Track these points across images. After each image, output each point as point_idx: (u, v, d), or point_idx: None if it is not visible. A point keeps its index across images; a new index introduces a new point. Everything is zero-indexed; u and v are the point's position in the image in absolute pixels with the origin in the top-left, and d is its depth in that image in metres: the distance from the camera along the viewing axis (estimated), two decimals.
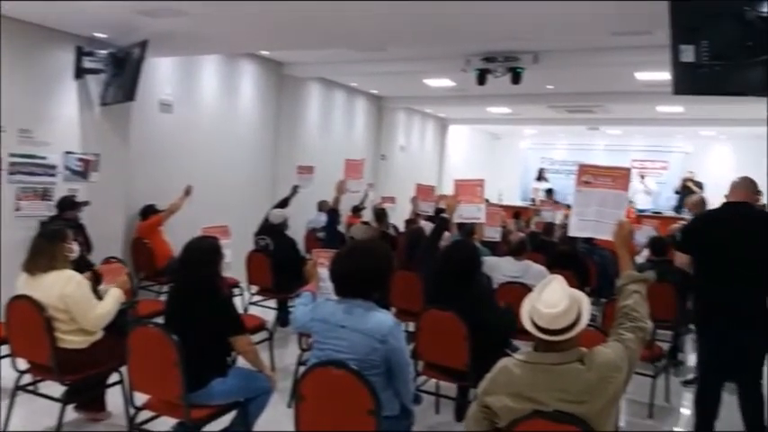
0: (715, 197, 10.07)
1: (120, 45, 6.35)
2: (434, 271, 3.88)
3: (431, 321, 3.75)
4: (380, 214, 7.31)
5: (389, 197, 9.23)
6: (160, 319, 3.45)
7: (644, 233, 7.43)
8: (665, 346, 5.37)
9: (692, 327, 6.82)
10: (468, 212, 4.54)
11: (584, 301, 2.13)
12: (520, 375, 2.09)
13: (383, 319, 2.58)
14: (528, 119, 14.21)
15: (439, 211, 7.85)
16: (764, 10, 3.16)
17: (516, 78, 7.52)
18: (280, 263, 5.84)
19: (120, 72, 6.30)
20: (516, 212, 10.08)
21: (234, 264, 6.14)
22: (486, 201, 5.51)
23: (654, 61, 6.15)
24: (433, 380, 4.15)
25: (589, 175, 2.61)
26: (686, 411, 4.82)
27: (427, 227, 7.45)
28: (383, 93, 11.88)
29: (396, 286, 5.25)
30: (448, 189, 11.85)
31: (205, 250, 3.28)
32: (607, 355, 2.07)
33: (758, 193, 3.84)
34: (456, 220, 4.73)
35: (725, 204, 3.82)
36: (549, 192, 13.02)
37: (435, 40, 6.50)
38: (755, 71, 3.19)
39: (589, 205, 2.60)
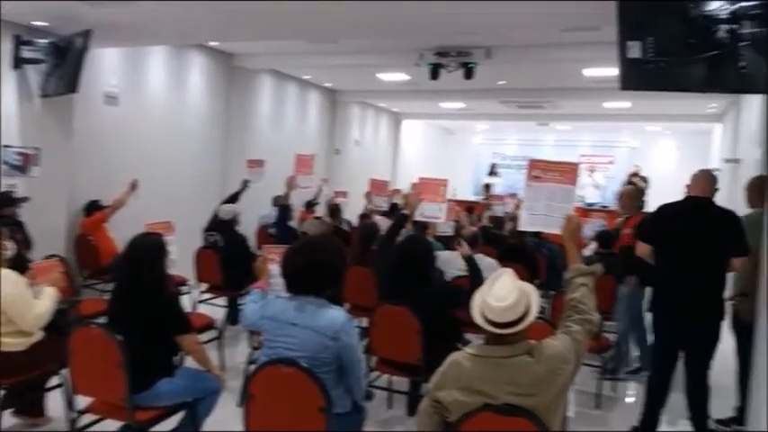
0: (660, 190, 10.45)
1: (61, 34, 6.09)
2: (389, 266, 3.86)
3: (384, 316, 3.73)
4: (334, 209, 7.25)
5: (342, 191, 9.17)
6: (104, 319, 3.33)
7: (593, 226, 7.62)
8: (612, 338, 5.49)
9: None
10: (429, 211, 4.53)
11: (533, 293, 2.14)
12: (470, 369, 2.09)
13: (335, 315, 2.54)
14: (480, 114, 14.36)
15: (394, 206, 7.87)
16: (707, 8, 3.24)
17: (469, 73, 7.56)
18: (229, 259, 5.72)
19: (62, 62, 6.05)
20: (469, 207, 10.17)
21: (182, 261, 6.03)
22: None
23: (601, 58, 6.26)
24: (386, 375, 4.14)
25: (539, 169, 2.64)
26: (632, 401, 4.96)
27: (382, 222, 7.46)
28: (337, 86, 11.79)
29: (349, 282, 5.22)
30: (402, 184, 11.93)
31: (150, 247, 3.18)
32: (555, 347, 2.10)
33: (717, 187, 3.95)
34: (417, 217, 4.72)
35: (687, 198, 3.93)
36: (488, 187, 13.10)
37: (388, 34, 6.47)
38: (698, 68, 3.28)
39: (539, 200, 2.63)
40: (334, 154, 12.20)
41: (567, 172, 2.60)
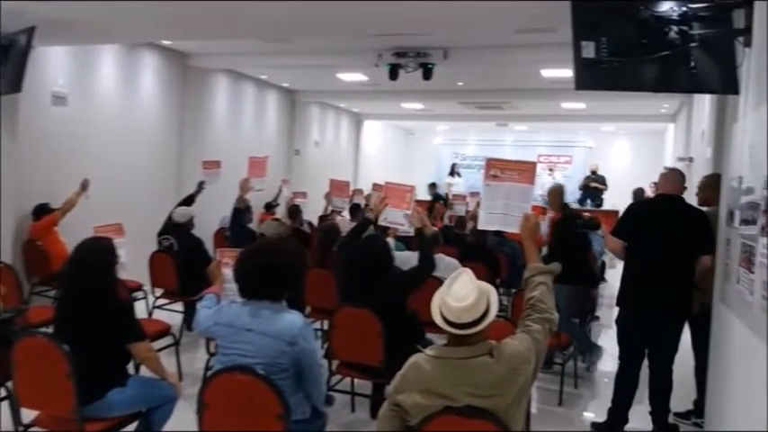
0: (616, 188, 10.71)
1: (3, 31, 5.82)
2: (347, 267, 3.81)
3: (344, 318, 3.68)
4: (294, 210, 7.15)
5: (301, 192, 9.04)
6: (51, 328, 3.19)
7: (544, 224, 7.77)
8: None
9: (597, 315, 7.25)
10: (393, 217, 4.44)
11: (492, 293, 2.13)
12: (430, 371, 2.06)
13: (292, 320, 2.48)
14: (440, 115, 14.44)
15: (356, 206, 7.83)
16: (658, 9, 3.30)
17: (427, 74, 7.58)
18: (185, 263, 5.58)
19: (5, 61, 5.77)
20: (430, 206, 10.22)
21: (137, 266, 5.87)
22: None
23: (558, 59, 6.35)
24: (349, 378, 4.09)
25: (496, 168, 2.63)
26: (594, 398, 5.03)
27: (344, 223, 7.40)
28: (296, 86, 11.67)
29: (310, 284, 5.16)
30: (364, 184, 11.88)
31: (98, 252, 3.05)
32: (515, 347, 2.08)
33: (686, 185, 4.06)
34: (380, 223, 4.67)
35: (657, 196, 4.04)
36: (433, 185, 13.02)
37: (343, 33, 6.43)
38: (651, 68, 3.33)
39: (497, 199, 2.62)
40: (293, 155, 12.07)
41: (525, 171, 2.59)
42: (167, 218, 6.16)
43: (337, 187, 7.15)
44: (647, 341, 3.91)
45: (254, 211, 7.71)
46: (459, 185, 14.44)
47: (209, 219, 7.53)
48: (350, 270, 3.79)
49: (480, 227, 2.74)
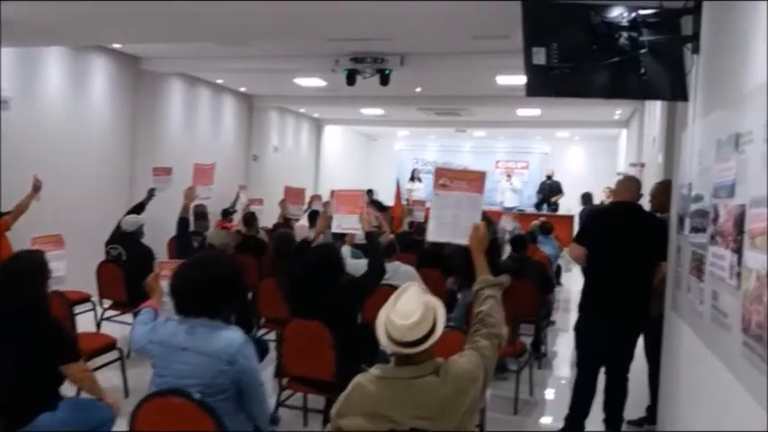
0: (572, 193, 10.87)
1: None
2: (296, 278, 3.69)
3: (295, 332, 3.55)
4: (249, 218, 6.97)
5: (258, 199, 8.86)
6: None
7: (506, 223, 7.98)
8: (527, 340, 5.55)
9: (553, 319, 7.29)
10: (348, 223, 4.40)
11: (440, 308, 2.04)
12: (375, 392, 1.95)
13: (230, 337, 2.35)
14: (400, 120, 14.43)
15: (314, 213, 7.68)
16: (608, 15, 3.28)
17: (385, 80, 7.56)
18: (134, 274, 5.31)
19: None
20: (392, 215, 10.14)
21: (85, 276, 5.62)
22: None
23: (513, 66, 6.30)
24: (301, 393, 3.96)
25: (445, 178, 2.55)
26: (550, 404, 5.01)
27: (301, 230, 7.25)
28: (253, 91, 11.47)
29: (264, 293, 5.02)
30: (325, 190, 11.73)
31: (27, 268, 2.87)
32: (462, 365, 2.00)
33: (642, 192, 4.12)
34: (335, 230, 4.61)
35: (616, 203, 4.08)
36: (370, 192, 12.86)
37: (298, 36, 6.32)
38: (602, 74, 3.32)
39: (446, 209, 2.54)
40: (251, 160, 11.85)
41: (474, 180, 2.51)
42: (116, 226, 5.92)
43: (292, 194, 7.01)
44: (605, 348, 3.91)
45: (212, 218, 7.54)
46: (419, 191, 14.43)
47: (164, 226, 7.29)
48: (298, 280, 3.67)
49: (430, 238, 2.65)
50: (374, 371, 2.03)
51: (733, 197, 2.46)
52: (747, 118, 2.37)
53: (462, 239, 2.49)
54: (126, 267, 5.48)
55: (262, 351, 4.23)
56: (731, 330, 2.37)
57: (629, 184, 4.09)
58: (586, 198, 10.50)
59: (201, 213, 6.77)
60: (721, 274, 2.53)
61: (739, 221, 2.33)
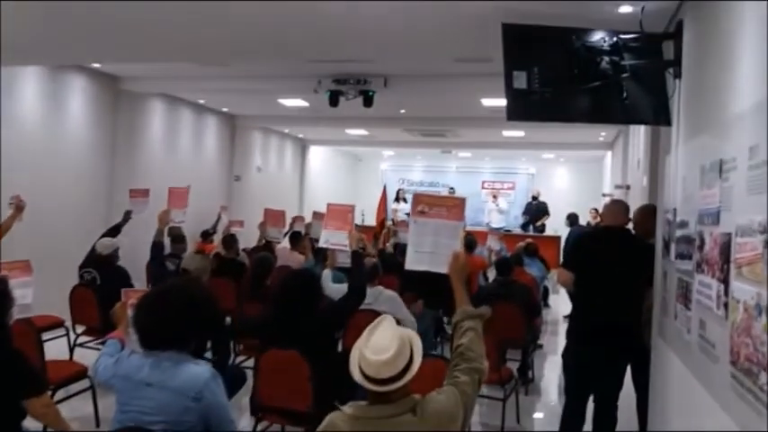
0: (558, 214, 10.88)
1: None
2: (272, 304, 3.57)
3: (270, 362, 3.43)
4: (229, 240, 6.83)
5: (238, 221, 8.71)
6: None
7: (494, 242, 8.09)
8: (514, 366, 5.44)
9: (540, 343, 7.19)
10: (336, 239, 4.25)
11: (416, 341, 1.94)
12: None
13: (197, 372, 2.23)
14: (385, 141, 14.40)
15: (295, 235, 7.57)
16: (589, 39, 3.25)
17: (368, 102, 7.52)
18: (109, 299, 5.14)
19: None
20: (376, 233, 10.07)
21: (59, 301, 5.45)
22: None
23: (497, 88, 6.30)
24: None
25: (424, 204, 2.45)
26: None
27: (284, 252, 7.13)
28: (236, 111, 11.38)
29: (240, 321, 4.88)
30: (309, 210, 11.59)
31: None
32: (440, 403, 1.90)
33: (630, 217, 4.08)
34: (322, 245, 4.46)
35: (605, 227, 4.04)
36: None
37: (279, 58, 6.27)
38: (583, 99, 3.27)
39: (425, 236, 2.44)
40: (234, 181, 11.71)
41: (454, 207, 2.42)
42: (90, 249, 5.77)
43: (272, 217, 6.88)
44: (594, 376, 3.83)
45: (192, 240, 7.37)
46: (404, 211, 14.36)
47: (143, 249, 7.12)
48: (275, 308, 3.55)
49: (408, 267, 2.55)
50: (348, 409, 1.92)
51: (718, 225, 2.40)
52: (730, 144, 2.33)
53: (441, 268, 2.39)
54: (100, 292, 5.32)
55: (239, 379, 4.10)
56: (719, 362, 2.30)
57: (617, 209, 4.04)
58: (572, 219, 10.49)
59: (178, 236, 6.63)
60: (708, 303, 2.47)
61: (725, 250, 2.27)
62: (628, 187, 8.28)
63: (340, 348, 4.18)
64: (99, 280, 5.46)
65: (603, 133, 11.12)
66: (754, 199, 2.01)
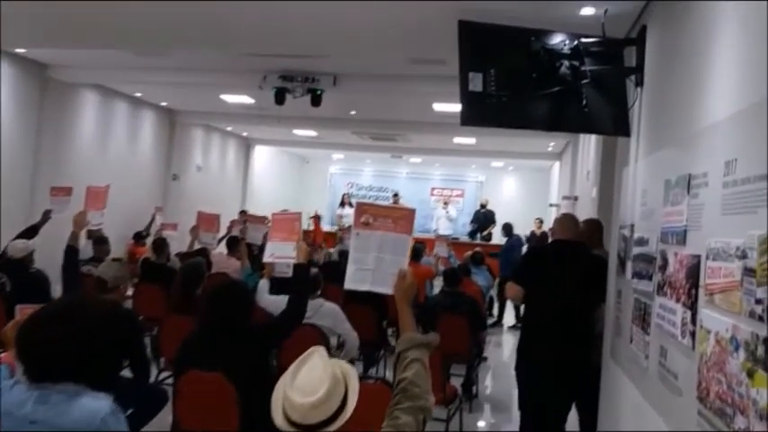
0: (503, 221, 10.82)
1: None
2: (197, 322, 3.22)
3: (191, 385, 3.06)
4: (160, 244, 6.35)
5: (171, 223, 8.19)
6: None
7: (441, 248, 7.96)
8: (456, 380, 5.24)
9: (485, 356, 7.03)
10: (281, 251, 3.85)
11: (352, 378, 1.66)
12: None
13: (93, 408, 1.86)
14: (334, 143, 14.10)
15: (232, 239, 7.15)
16: (549, 41, 3.05)
17: (316, 101, 7.26)
18: None
19: None
20: (324, 239, 9.75)
21: None
22: None
23: (450, 92, 6.13)
24: None
25: (368, 215, 2.15)
26: None
27: (221, 258, 6.70)
28: (175, 106, 10.84)
29: (168, 332, 4.50)
30: (253, 212, 11.13)
31: None
32: None
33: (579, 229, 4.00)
34: (267, 260, 4.10)
35: (555, 241, 3.94)
36: (244, 213, 12.05)
37: (220, 49, 5.92)
38: (540, 105, 3.08)
39: (368, 251, 2.15)
40: (171, 180, 11.13)
41: (402, 219, 2.13)
42: (1, 253, 5.23)
43: (206, 221, 6.45)
44: (548, 393, 3.69)
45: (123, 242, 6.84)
46: (350, 217, 14.05)
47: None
48: (199, 324, 3.20)
49: (347, 286, 2.25)
50: None
51: (684, 245, 2.22)
52: (701, 158, 2.14)
53: (385, 288, 2.11)
54: (11, 299, 4.78)
55: (159, 400, 3.72)
56: (683, 395, 2.11)
57: (567, 222, 3.97)
58: (507, 229, 10.32)
59: (100, 238, 6.14)
60: (671, 329, 2.28)
61: (693, 274, 2.09)
62: (576, 198, 8.23)
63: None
64: (9, 286, 4.93)
65: (552, 143, 11.14)
66: (729, 219, 1.82)
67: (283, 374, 1.63)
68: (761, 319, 1.51)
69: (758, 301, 1.53)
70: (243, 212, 10.14)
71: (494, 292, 9.44)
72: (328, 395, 1.55)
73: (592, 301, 3.65)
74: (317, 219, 12.03)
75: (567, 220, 4.07)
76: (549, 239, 5.28)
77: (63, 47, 6.59)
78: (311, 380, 1.57)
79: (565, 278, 3.62)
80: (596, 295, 3.62)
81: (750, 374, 1.54)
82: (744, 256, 1.64)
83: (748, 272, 1.60)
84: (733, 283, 1.72)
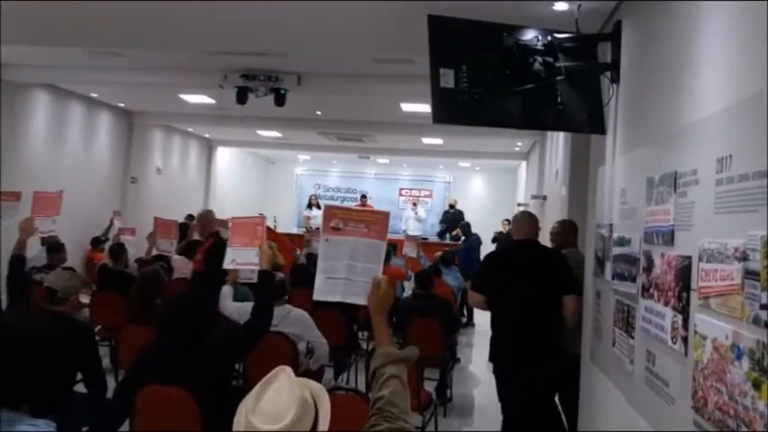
0: (473, 223, 10.76)
1: None
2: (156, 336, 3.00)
3: (149, 402, 2.85)
4: (117, 250, 6.05)
5: (129, 228, 7.87)
6: None
7: (410, 248, 7.91)
8: (430, 384, 5.11)
9: (458, 357, 6.92)
10: (243, 257, 3.63)
11: (323, 399, 1.50)
12: None
13: None
14: (300, 144, 13.86)
15: (192, 245, 6.87)
16: (522, 37, 2.94)
17: (280, 100, 7.05)
18: None
19: None
20: (290, 241, 9.48)
21: None
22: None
23: (418, 92, 6.05)
24: None
25: (338, 219, 1.98)
26: None
27: (182, 263, 6.43)
28: (133, 107, 10.46)
29: (125, 343, 4.26)
30: (217, 215, 10.83)
31: None
32: None
33: (540, 227, 3.98)
34: (228, 266, 3.86)
35: (513, 242, 3.92)
36: (192, 217, 11.70)
37: (179, 47, 5.67)
38: (514, 102, 2.97)
39: (338, 259, 1.98)
40: (129, 183, 10.74)
41: (375, 223, 1.97)
42: None
43: (163, 227, 6.19)
44: (519, 396, 3.64)
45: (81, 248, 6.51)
46: (317, 219, 13.82)
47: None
48: (156, 336, 2.99)
49: (317, 297, 2.07)
50: None
51: (672, 246, 2.12)
52: (688, 155, 2.04)
53: (358, 299, 1.95)
54: None
55: (118, 415, 3.49)
56: (675, 403, 2.01)
57: (526, 222, 3.93)
58: (465, 229, 10.19)
59: (55, 245, 5.82)
60: (659, 333, 2.17)
61: (683, 276, 1.98)
62: (545, 198, 8.20)
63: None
64: None
65: (520, 143, 11.12)
66: (724, 219, 1.72)
67: (245, 397, 1.46)
68: (767, 325, 1.41)
69: (763, 307, 1.43)
70: (191, 216, 9.73)
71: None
72: (296, 422, 1.39)
73: (554, 294, 3.59)
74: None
75: (522, 218, 4.05)
76: None
77: (13, 44, 6.24)
78: (276, 404, 1.40)
79: (526, 277, 3.60)
80: (559, 288, 3.58)
81: (756, 386, 1.43)
82: (744, 258, 1.54)
83: (750, 275, 1.50)
84: (732, 287, 1.61)
